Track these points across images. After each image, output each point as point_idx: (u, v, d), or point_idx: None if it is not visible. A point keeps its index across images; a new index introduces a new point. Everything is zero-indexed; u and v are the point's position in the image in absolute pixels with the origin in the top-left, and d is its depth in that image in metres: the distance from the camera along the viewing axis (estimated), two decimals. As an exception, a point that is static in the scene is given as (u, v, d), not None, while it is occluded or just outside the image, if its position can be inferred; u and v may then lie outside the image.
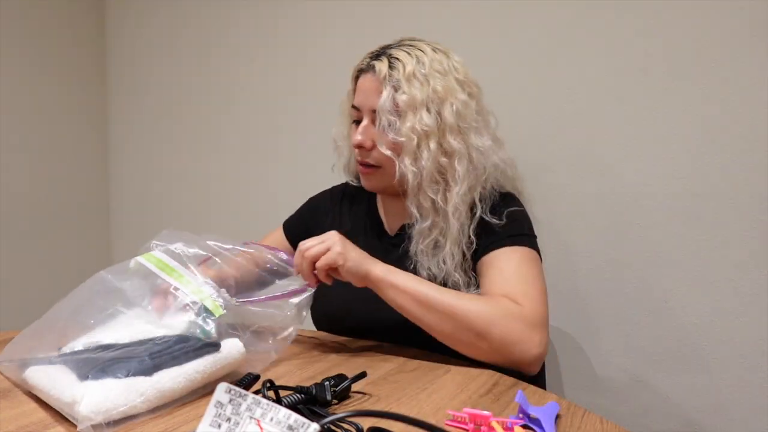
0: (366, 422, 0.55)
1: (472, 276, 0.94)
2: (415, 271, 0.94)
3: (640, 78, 1.15)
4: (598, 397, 1.23)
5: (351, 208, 1.13)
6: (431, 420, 0.59)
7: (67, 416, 0.61)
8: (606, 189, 1.20)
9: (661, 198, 1.14)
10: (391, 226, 1.07)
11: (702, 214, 1.09)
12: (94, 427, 0.58)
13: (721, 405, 1.09)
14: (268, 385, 0.63)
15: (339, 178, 1.19)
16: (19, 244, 2.01)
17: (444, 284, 0.92)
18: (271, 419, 0.45)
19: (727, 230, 1.07)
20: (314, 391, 0.65)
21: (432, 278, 0.92)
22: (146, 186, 2.16)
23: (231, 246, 0.88)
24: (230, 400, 0.47)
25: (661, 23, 1.12)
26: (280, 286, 0.88)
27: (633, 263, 1.17)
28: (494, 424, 0.59)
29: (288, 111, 1.73)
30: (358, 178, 1.11)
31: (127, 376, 0.62)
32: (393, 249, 1.00)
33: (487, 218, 0.94)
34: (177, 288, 0.76)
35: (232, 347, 0.72)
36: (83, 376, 0.63)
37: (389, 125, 0.92)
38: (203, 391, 0.68)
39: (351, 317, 1.00)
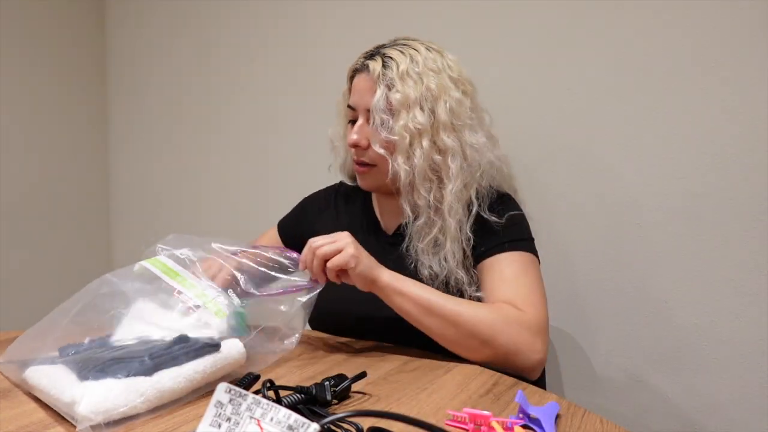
0: (366, 422, 0.55)
1: (474, 274, 0.94)
2: (416, 270, 0.94)
3: (639, 78, 1.15)
4: (598, 397, 1.23)
5: (346, 206, 1.14)
6: (431, 420, 0.59)
7: (66, 417, 0.61)
8: (606, 189, 1.20)
9: (661, 198, 1.14)
10: (387, 225, 1.07)
11: (702, 214, 1.09)
12: (93, 427, 0.58)
13: (721, 405, 1.09)
14: (268, 385, 0.63)
15: (336, 177, 1.19)
16: (19, 244, 2.01)
17: (446, 282, 0.92)
18: (271, 419, 0.45)
19: (727, 230, 1.07)
20: (314, 391, 0.65)
21: (434, 277, 0.93)
22: (146, 186, 2.16)
23: (237, 248, 0.88)
24: (230, 400, 0.47)
25: (661, 23, 1.12)
26: (285, 280, 0.87)
27: (633, 263, 1.17)
28: (494, 424, 0.59)
29: (287, 111, 1.73)
30: (354, 178, 1.12)
31: (127, 376, 0.62)
32: (391, 248, 1.01)
33: (485, 216, 0.94)
34: (180, 292, 0.76)
35: (232, 348, 0.72)
36: (83, 377, 0.63)
37: (382, 124, 0.93)
38: (203, 391, 0.68)
39: (351, 316, 1.00)
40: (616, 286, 1.19)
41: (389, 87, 0.92)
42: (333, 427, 0.56)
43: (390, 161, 0.93)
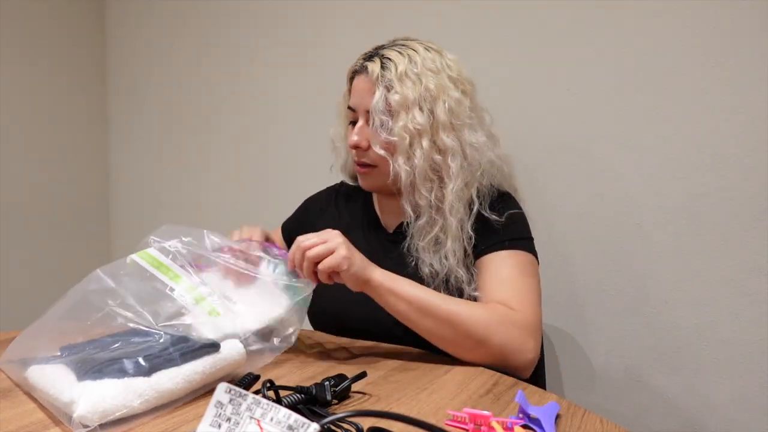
0: (366, 422, 0.55)
1: (473, 272, 0.94)
2: (416, 268, 0.94)
3: (639, 78, 1.15)
4: (598, 397, 1.23)
5: (347, 205, 1.14)
6: (431, 420, 0.59)
7: (65, 417, 0.61)
8: (606, 189, 1.20)
9: (661, 198, 1.14)
10: (388, 223, 1.07)
11: (702, 214, 1.09)
12: (91, 427, 0.58)
13: (721, 405, 1.09)
14: (268, 385, 0.63)
15: (337, 178, 1.19)
16: (19, 244, 2.01)
17: (446, 280, 0.93)
18: (271, 419, 0.45)
19: (727, 230, 1.07)
20: (314, 391, 0.65)
21: (434, 275, 0.93)
22: (146, 186, 2.16)
23: (222, 242, 0.87)
24: (230, 400, 0.47)
25: (662, 23, 1.12)
26: (268, 274, 0.86)
27: (633, 263, 1.17)
28: (494, 424, 0.59)
29: (287, 111, 1.73)
30: (355, 178, 1.12)
31: (125, 376, 0.62)
32: (391, 246, 1.01)
33: (486, 214, 0.94)
34: (173, 289, 0.76)
35: (231, 348, 0.72)
36: (81, 377, 0.63)
37: (382, 125, 0.93)
38: (202, 391, 0.68)
39: (349, 317, 1.00)
40: (616, 286, 1.20)
41: (388, 88, 0.93)
42: (333, 427, 0.56)
43: (390, 162, 0.94)
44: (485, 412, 0.60)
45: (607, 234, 1.20)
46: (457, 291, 0.92)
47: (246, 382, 0.65)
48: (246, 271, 0.84)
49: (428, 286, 0.92)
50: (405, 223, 0.98)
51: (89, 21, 2.18)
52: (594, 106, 1.20)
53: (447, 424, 0.63)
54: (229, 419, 0.47)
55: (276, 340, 0.77)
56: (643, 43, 1.14)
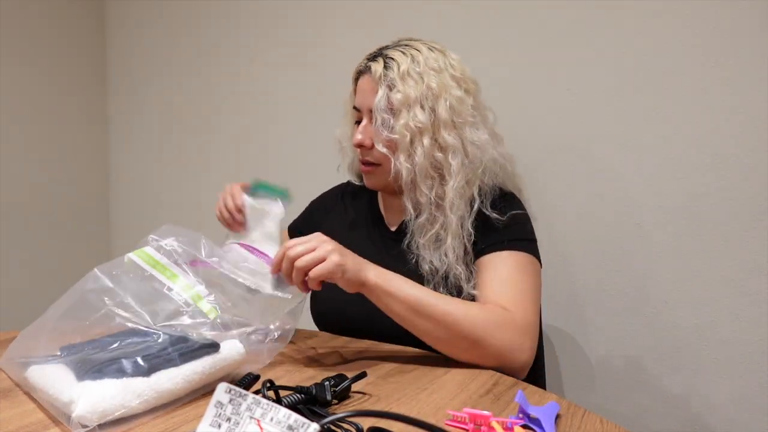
0: (366, 422, 0.55)
1: (473, 270, 0.94)
2: (416, 265, 0.95)
3: (639, 78, 1.15)
4: (598, 397, 1.23)
5: (353, 203, 1.15)
6: (431, 420, 0.59)
7: (64, 417, 0.61)
8: (606, 189, 1.20)
9: (661, 198, 1.14)
10: (391, 221, 1.08)
11: (702, 214, 1.09)
12: (90, 427, 0.58)
13: (721, 405, 1.09)
14: (268, 385, 0.63)
15: (343, 178, 1.20)
16: (19, 244, 2.01)
17: (446, 278, 0.93)
18: (271, 419, 0.45)
19: (727, 230, 1.07)
20: (314, 391, 0.65)
21: (434, 272, 0.93)
22: (146, 186, 2.16)
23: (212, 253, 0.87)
24: (230, 400, 0.47)
25: (662, 23, 1.12)
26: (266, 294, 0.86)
27: (633, 263, 1.17)
28: (494, 424, 0.59)
29: (287, 111, 1.73)
30: (361, 178, 1.13)
31: (125, 376, 0.62)
32: (393, 244, 1.02)
33: (487, 212, 0.95)
34: (171, 288, 0.76)
35: (231, 348, 0.72)
36: (81, 377, 0.63)
37: (383, 123, 0.94)
38: (202, 392, 0.68)
39: (350, 317, 1.01)
40: (616, 285, 1.20)
41: (390, 87, 0.94)
42: (333, 427, 0.56)
43: (392, 160, 0.95)
44: (485, 412, 0.60)
45: (607, 234, 1.20)
46: (456, 289, 0.92)
47: (246, 382, 0.65)
48: (241, 280, 0.84)
49: (428, 283, 0.92)
50: (407, 221, 0.99)
51: (89, 21, 2.18)
52: (594, 106, 1.20)
53: (447, 424, 0.63)
54: (229, 419, 0.47)
55: (271, 340, 0.77)
56: (643, 43, 1.14)
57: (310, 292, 0.84)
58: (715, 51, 1.07)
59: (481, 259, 0.94)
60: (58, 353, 0.70)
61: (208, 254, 0.84)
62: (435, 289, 0.92)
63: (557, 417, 0.66)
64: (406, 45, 0.98)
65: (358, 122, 1.01)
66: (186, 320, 0.72)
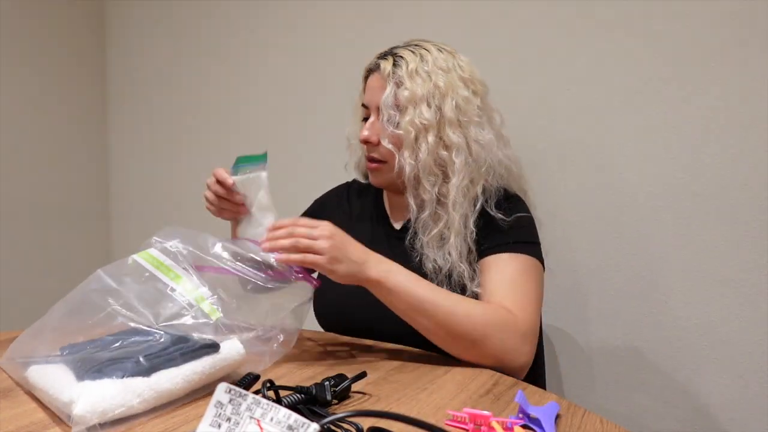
0: (366, 422, 0.55)
1: (476, 268, 0.94)
2: (420, 263, 0.95)
3: (639, 79, 1.15)
4: (598, 397, 1.23)
5: (358, 201, 1.16)
6: (431, 420, 0.59)
7: (64, 416, 0.61)
8: (607, 189, 1.20)
9: (661, 198, 1.14)
10: (396, 220, 1.09)
11: (702, 214, 1.09)
12: (89, 427, 0.58)
13: (721, 405, 1.09)
14: (268, 385, 0.63)
15: (346, 177, 1.20)
16: (19, 244, 2.01)
17: (449, 276, 0.93)
18: (271, 419, 0.45)
19: (727, 230, 1.07)
20: (314, 391, 0.65)
21: (437, 270, 0.93)
22: (146, 186, 2.16)
23: (223, 245, 0.86)
24: (230, 400, 0.47)
25: (662, 23, 1.12)
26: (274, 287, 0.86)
27: (633, 263, 1.17)
28: (494, 424, 0.59)
29: (288, 111, 1.73)
30: (367, 176, 1.14)
31: (124, 377, 0.62)
32: (397, 242, 1.02)
33: (492, 213, 0.95)
34: (173, 289, 0.76)
35: (231, 348, 0.72)
36: (81, 377, 0.63)
37: (389, 120, 0.95)
38: (202, 392, 0.68)
39: (349, 316, 1.01)
40: (616, 286, 1.20)
41: (398, 84, 0.95)
42: (333, 427, 0.56)
43: (397, 156, 0.96)
44: (485, 412, 0.60)
45: (607, 234, 1.20)
46: (459, 287, 0.93)
47: (246, 382, 0.65)
48: (246, 276, 0.83)
49: (432, 281, 0.92)
50: (411, 220, 0.99)
51: (89, 22, 2.18)
52: (593, 107, 1.20)
53: (447, 424, 0.63)
54: (229, 419, 0.47)
55: (274, 343, 0.77)
56: (643, 44, 1.14)
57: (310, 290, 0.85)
58: (715, 51, 1.07)
59: (485, 259, 0.94)
60: (59, 353, 0.70)
61: (216, 252, 0.84)
62: (439, 286, 0.92)
63: (557, 417, 0.66)
64: (416, 45, 0.99)
65: (366, 119, 1.02)
66: (188, 321, 0.72)
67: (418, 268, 0.93)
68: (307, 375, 0.78)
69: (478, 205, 0.95)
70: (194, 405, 0.66)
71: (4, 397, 0.69)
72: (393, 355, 0.89)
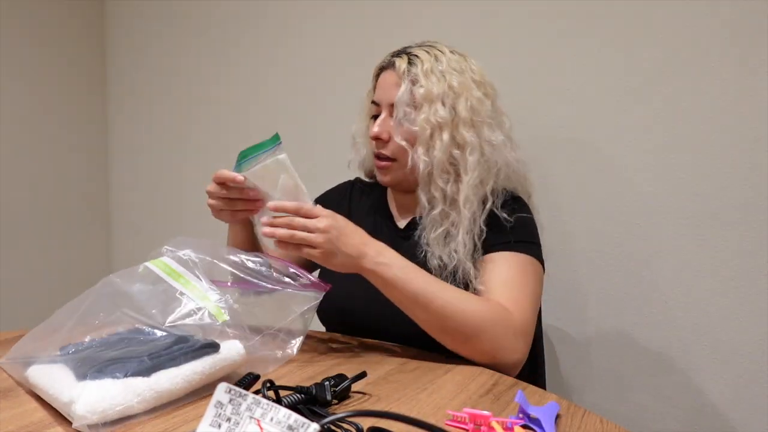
0: (366, 422, 0.55)
1: (480, 267, 0.95)
2: (425, 260, 0.95)
3: (639, 79, 1.15)
4: (598, 397, 1.23)
5: (361, 200, 1.16)
6: (431, 420, 0.59)
7: (65, 415, 0.61)
8: (606, 189, 1.20)
9: (662, 198, 1.14)
10: (400, 219, 1.09)
11: (702, 214, 1.10)
12: (89, 426, 0.58)
13: (721, 405, 1.09)
14: (268, 385, 0.63)
15: (348, 175, 1.20)
16: (19, 244, 2.01)
17: (454, 272, 0.93)
18: (271, 419, 0.45)
19: (727, 230, 1.07)
20: (314, 391, 0.65)
21: (442, 267, 0.94)
22: (146, 186, 2.16)
23: (240, 257, 0.86)
24: (230, 400, 0.47)
25: (663, 24, 1.12)
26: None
27: (633, 263, 1.17)
28: (494, 424, 0.59)
29: (292, 113, 1.73)
30: (371, 176, 1.15)
31: (124, 376, 0.62)
32: (401, 241, 1.02)
33: (497, 212, 0.96)
34: (183, 293, 0.76)
35: (231, 348, 0.72)
36: (81, 376, 0.63)
37: (405, 116, 0.96)
38: (203, 392, 0.68)
39: (349, 317, 1.01)
40: (616, 286, 1.20)
41: (413, 82, 0.96)
42: (333, 427, 0.56)
43: (410, 153, 0.96)
44: (485, 412, 0.60)
45: (607, 234, 1.20)
46: (463, 284, 0.93)
47: (246, 382, 0.65)
48: (257, 282, 0.83)
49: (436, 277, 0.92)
50: (417, 218, 1.00)
51: (89, 21, 2.18)
52: (593, 107, 1.20)
53: (447, 424, 0.63)
54: (229, 419, 0.47)
55: (279, 347, 0.78)
56: (643, 44, 1.14)
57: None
58: (716, 51, 1.07)
59: (486, 257, 0.95)
60: (59, 352, 0.70)
61: (229, 262, 0.83)
62: None
63: (557, 417, 0.66)
64: (430, 46, 1.01)
65: (375, 117, 1.02)
66: (194, 322, 0.73)
67: (422, 265, 0.93)
68: (307, 375, 0.78)
69: (488, 206, 0.96)
70: (194, 405, 0.66)
71: (4, 397, 0.69)
72: (393, 355, 0.89)
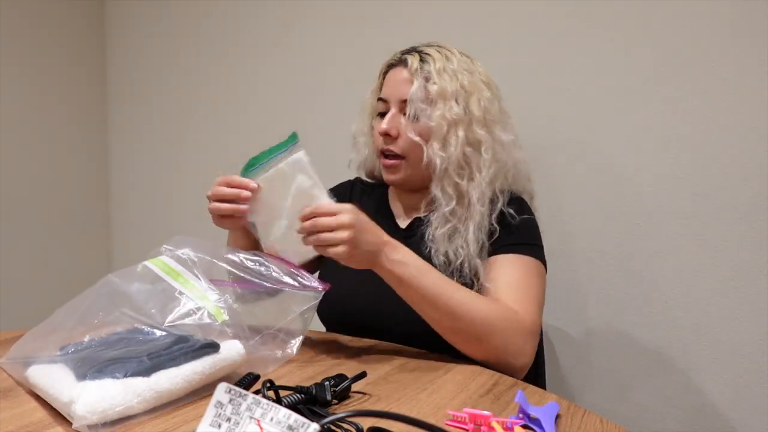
0: (366, 422, 0.55)
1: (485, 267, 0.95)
2: (429, 257, 0.95)
3: (639, 79, 1.15)
4: (598, 397, 1.23)
5: (361, 200, 1.15)
6: (431, 420, 0.59)
7: (65, 415, 0.61)
8: (606, 189, 1.20)
9: (661, 198, 1.14)
10: (401, 219, 1.09)
11: (702, 214, 1.10)
12: (89, 426, 0.58)
13: (721, 405, 1.09)
14: (268, 385, 0.63)
15: (348, 175, 1.19)
16: (19, 244, 2.01)
17: (460, 269, 0.93)
18: (271, 419, 0.45)
19: (727, 230, 1.07)
20: (314, 391, 0.65)
21: (448, 263, 0.94)
22: (146, 186, 2.16)
23: (239, 256, 0.86)
24: (230, 400, 0.47)
25: (663, 23, 1.12)
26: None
27: (633, 263, 1.17)
28: (494, 424, 0.59)
29: (289, 111, 1.73)
30: (372, 176, 1.14)
31: (124, 376, 0.62)
32: (404, 241, 1.01)
33: (505, 210, 0.97)
34: (182, 293, 0.76)
35: (231, 348, 0.72)
36: (81, 376, 0.63)
37: (421, 112, 0.96)
38: (203, 392, 0.68)
39: (351, 317, 1.01)
40: (616, 286, 1.20)
41: (427, 79, 0.96)
42: (333, 427, 0.56)
43: (425, 148, 0.96)
44: (485, 412, 0.60)
45: (607, 234, 1.20)
46: (469, 282, 0.93)
47: (246, 382, 0.65)
48: (258, 281, 0.83)
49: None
50: (422, 217, 1.00)
51: (89, 22, 2.18)
52: (593, 107, 1.20)
53: (447, 424, 0.63)
54: (229, 419, 0.47)
55: (279, 348, 0.78)
56: (643, 44, 1.14)
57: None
58: (715, 51, 1.07)
59: (491, 258, 0.95)
60: (59, 352, 0.70)
61: (227, 261, 0.83)
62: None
63: (557, 417, 0.66)
64: (439, 46, 1.01)
65: (382, 114, 1.01)
66: (193, 322, 0.73)
67: (427, 261, 0.93)
68: (307, 375, 0.78)
69: (499, 204, 0.97)
70: (194, 405, 0.66)
71: (4, 397, 0.69)
72: (393, 355, 0.89)
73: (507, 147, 0.99)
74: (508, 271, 0.92)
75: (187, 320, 0.72)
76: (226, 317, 0.74)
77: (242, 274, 0.82)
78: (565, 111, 1.23)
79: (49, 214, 2.09)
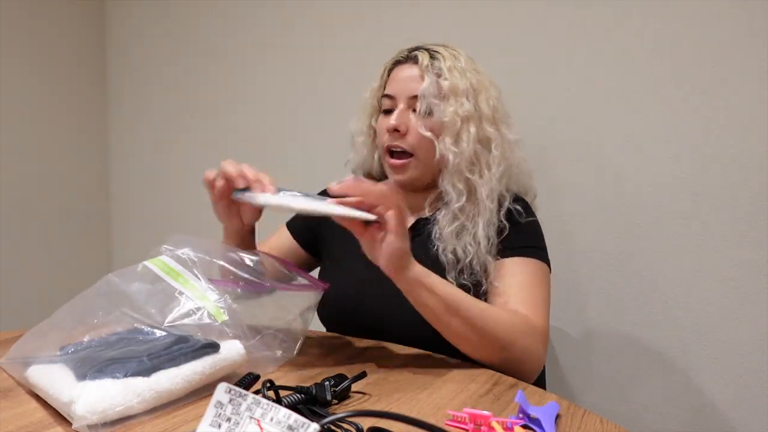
0: (366, 422, 0.55)
1: (492, 264, 0.95)
2: (437, 255, 0.95)
3: (639, 78, 1.15)
4: (598, 397, 1.23)
5: None
6: (431, 420, 0.59)
7: (65, 415, 0.61)
8: (606, 189, 1.20)
9: (661, 197, 1.14)
10: None
11: (702, 214, 1.10)
12: (89, 427, 0.58)
13: (721, 405, 1.09)
14: (268, 385, 0.62)
15: (348, 175, 1.19)
16: (19, 244, 2.01)
17: (470, 266, 0.93)
18: (271, 419, 0.45)
19: (727, 230, 1.07)
20: (314, 391, 0.65)
21: (456, 261, 0.94)
22: (146, 185, 2.16)
23: (238, 255, 0.86)
24: (230, 400, 0.47)
25: (663, 24, 1.12)
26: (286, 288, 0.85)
27: (633, 263, 1.17)
28: (494, 424, 0.59)
29: (290, 110, 1.73)
30: (371, 176, 1.12)
31: (124, 376, 0.62)
32: (410, 241, 1.01)
33: (512, 209, 0.97)
34: (182, 293, 0.76)
35: (231, 349, 0.72)
36: (81, 376, 0.63)
37: (434, 107, 0.96)
38: (203, 392, 0.68)
39: (354, 316, 1.01)
40: (616, 286, 1.20)
41: (438, 75, 0.97)
42: (333, 427, 0.56)
43: (436, 143, 0.96)
44: (485, 412, 0.60)
45: (607, 234, 1.20)
46: (475, 282, 0.93)
47: (246, 382, 0.65)
48: (257, 280, 0.83)
49: (447, 273, 0.92)
50: (424, 218, 1.00)
51: (89, 21, 2.18)
52: (593, 107, 1.20)
53: (447, 424, 0.63)
54: (229, 419, 0.47)
55: (279, 348, 0.78)
56: (642, 44, 1.14)
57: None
58: (715, 51, 1.07)
59: (498, 262, 0.95)
60: (58, 353, 0.70)
61: (227, 260, 0.83)
62: (457, 277, 0.92)
63: (557, 417, 0.66)
64: (445, 46, 1.02)
65: (387, 112, 1.01)
66: (193, 322, 0.72)
67: (435, 260, 0.93)
68: (307, 375, 0.78)
69: (506, 202, 0.97)
70: (194, 405, 0.66)
71: (4, 397, 0.69)
72: (393, 355, 0.89)
73: (512, 145, 1.00)
74: (517, 276, 0.92)
75: (186, 320, 0.72)
76: (225, 317, 0.74)
77: (242, 274, 0.82)
78: (565, 111, 1.23)
79: (49, 213, 2.09)
